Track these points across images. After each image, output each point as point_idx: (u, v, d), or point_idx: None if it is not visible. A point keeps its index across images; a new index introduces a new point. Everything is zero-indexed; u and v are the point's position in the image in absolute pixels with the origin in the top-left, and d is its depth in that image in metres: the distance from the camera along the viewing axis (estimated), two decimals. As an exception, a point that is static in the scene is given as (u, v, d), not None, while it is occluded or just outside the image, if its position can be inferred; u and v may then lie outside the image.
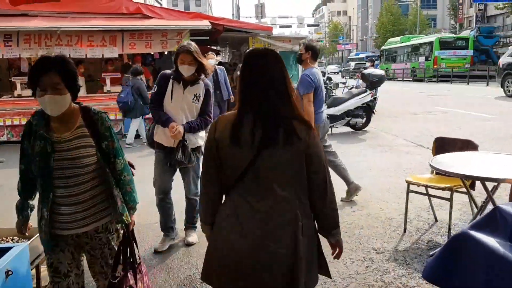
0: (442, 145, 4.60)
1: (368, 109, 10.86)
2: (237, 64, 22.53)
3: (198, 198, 4.09)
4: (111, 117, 10.97)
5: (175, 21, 11.69)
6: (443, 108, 14.81)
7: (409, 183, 4.46)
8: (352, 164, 7.30)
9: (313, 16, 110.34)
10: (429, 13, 69.40)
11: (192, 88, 3.99)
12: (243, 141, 1.90)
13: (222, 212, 2.02)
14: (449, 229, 4.24)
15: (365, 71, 10.99)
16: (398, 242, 4.25)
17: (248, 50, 2.14)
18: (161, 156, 4.13)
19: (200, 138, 4.14)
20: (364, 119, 10.88)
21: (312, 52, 5.18)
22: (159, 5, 23.72)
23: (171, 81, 3.98)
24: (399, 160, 7.49)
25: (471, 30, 36.57)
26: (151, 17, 11.76)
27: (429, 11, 71.50)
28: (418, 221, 4.76)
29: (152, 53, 12.82)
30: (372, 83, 10.62)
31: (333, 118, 10.40)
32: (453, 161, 3.85)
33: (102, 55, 11.47)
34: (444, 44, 31.07)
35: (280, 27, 37.72)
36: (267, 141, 1.88)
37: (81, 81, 12.19)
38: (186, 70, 3.88)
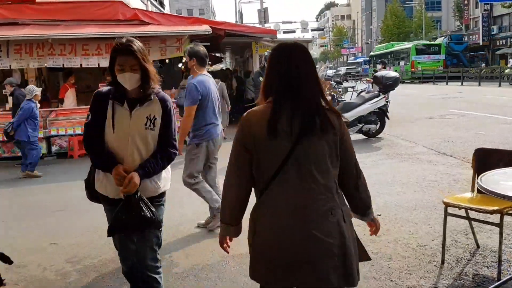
0: (485, 158, 3.86)
1: (381, 114, 10.14)
2: (237, 70, 22.07)
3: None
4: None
5: (174, 26, 11.05)
6: (459, 111, 14.05)
7: (447, 205, 3.72)
8: (369, 177, 6.56)
9: (317, 21, 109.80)
10: (433, 15, 68.99)
11: (143, 109, 2.67)
12: (281, 132, 1.90)
13: (261, 209, 1.98)
14: (499, 261, 3.49)
15: (378, 74, 10.27)
16: (437, 277, 3.51)
17: (278, 44, 2.10)
18: (111, 214, 2.72)
19: (165, 180, 2.83)
20: (378, 125, 10.16)
21: (197, 58, 4.63)
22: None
23: (109, 102, 2.67)
24: (422, 172, 6.74)
25: (444, 37, 42.34)
26: (148, 23, 11.16)
27: (433, 13, 71.05)
28: (457, 248, 4.02)
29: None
30: (386, 86, 9.90)
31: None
32: (506, 179, 3.12)
33: (98, 64, 10.84)
34: (420, 50, 36.02)
35: (284, 32, 36.97)
36: (306, 130, 1.89)
37: (72, 92, 11.61)
38: (128, 80, 2.61)
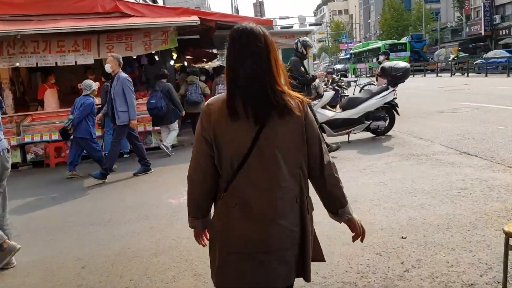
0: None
1: (390, 110, 9.11)
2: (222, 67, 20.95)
3: None
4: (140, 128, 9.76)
5: (159, 18, 10.01)
6: (472, 103, 13.00)
7: (509, 235, 2.69)
8: (385, 184, 5.55)
9: (314, 16, 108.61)
10: (432, 7, 68.20)
11: None
12: (241, 120, 1.80)
13: (226, 201, 1.86)
14: None
15: (386, 64, 9.22)
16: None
17: (234, 28, 1.91)
18: None
19: None
20: (387, 121, 9.13)
21: None
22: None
23: None
24: (446, 177, 5.71)
25: (406, 38, 48.15)
26: (131, 16, 10.11)
27: (432, 4, 70.20)
28: (515, 286, 3.00)
29: (135, 56, 11.18)
30: (395, 78, 8.85)
31: (350, 123, 8.69)
32: None
33: (75, 62, 9.81)
34: (390, 48, 39.94)
35: (281, 28, 35.93)
36: (265, 116, 1.80)
37: (53, 93, 10.58)
38: None
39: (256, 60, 1.81)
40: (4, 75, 10.55)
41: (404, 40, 46.99)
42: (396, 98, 9.14)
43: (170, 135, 9.53)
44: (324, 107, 8.73)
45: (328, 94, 8.78)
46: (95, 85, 8.10)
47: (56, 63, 9.75)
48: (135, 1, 11.09)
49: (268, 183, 1.82)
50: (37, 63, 9.66)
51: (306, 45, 7.96)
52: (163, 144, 9.37)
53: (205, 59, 25.76)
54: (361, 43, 55.30)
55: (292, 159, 1.86)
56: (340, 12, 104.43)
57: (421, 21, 57.64)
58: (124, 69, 14.13)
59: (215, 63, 31.20)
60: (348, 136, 8.79)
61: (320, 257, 2.08)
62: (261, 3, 25.30)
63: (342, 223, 2.06)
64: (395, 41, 47.16)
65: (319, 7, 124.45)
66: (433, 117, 11.14)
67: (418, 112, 12.17)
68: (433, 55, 45.71)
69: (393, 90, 8.94)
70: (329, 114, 8.68)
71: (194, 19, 9.55)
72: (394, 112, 9.10)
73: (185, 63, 22.30)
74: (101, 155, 8.02)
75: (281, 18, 42.77)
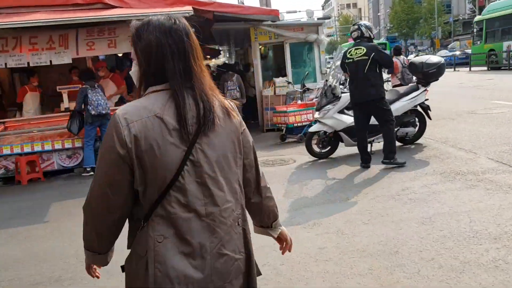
0: None
1: (421, 114, 7.66)
2: (238, 64, 19.59)
3: None
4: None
5: (147, 9, 8.61)
6: (505, 102, 11.46)
7: None
8: (430, 222, 4.11)
9: (323, 10, 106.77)
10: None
11: None
12: (171, 131, 1.50)
13: (149, 235, 1.49)
14: None
15: (415, 59, 7.71)
16: None
17: (148, 20, 1.60)
18: None
19: None
20: (417, 127, 7.69)
21: None
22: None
23: None
24: (514, 209, 4.27)
25: (384, 39, 53.18)
26: (115, 7, 8.72)
27: None
28: None
29: (120, 54, 9.80)
30: (427, 75, 7.38)
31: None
32: None
33: (50, 61, 8.45)
34: None
35: (289, 21, 34.50)
36: (201, 125, 1.53)
37: (33, 97, 9.26)
38: None
39: (190, 59, 1.58)
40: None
41: (382, 40, 51.87)
42: (427, 99, 7.67)
43: None
44: (341, 111, 7.29)
45: (346, 97, 7.34)
46: None
47: (28, 63, 8.40)
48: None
49: (206, 205, 1.53)
50: (5, 63, 8.32)
51: (371, 28, 6.66)
52: None
53: (208, 56, 24.42)
54: (348, 43, 55.76)
55: (231, 174, 1.61)
56: (348, 6, 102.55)
57: (432, 14, 56.29)
58: (117, 66, 12.86)
59: (220, 59, 29.84)
60: (371, 146, 7.34)
61: (257, 272, 1.75)
62: (267, -5, 23.85)
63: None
64: (377, 42, 52.13)
65: (327, 1, 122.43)
66: (466, 119, 9.64)
67: (446, 112, 10.66)
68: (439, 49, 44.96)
69: (424, 90, 7.48)
70: (348, 120, 7.24)
71: (187, 9, 8.13)
72: (426, 117, 7.65)
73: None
74: None
75: (288, 12, 41.22)
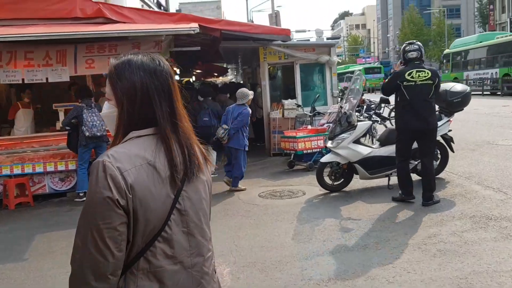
0: None
1: (443, 146, 7.05)
2: (248, 83, 19.10)
3: None
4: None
5: (150, 25, 8.11)
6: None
7: None
8: (467, 285, 3.44)
9: (332, 30, 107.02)
10: (453, 22, 66.79)
11: None
12: (161, 178, 1.43)
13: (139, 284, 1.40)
14: None
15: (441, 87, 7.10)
16: None
17: (128, 59, 1.51)
18: None
19: None
20: (438, 160, 7.06)
21: None
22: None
23: None
24: None
25: (378, 62, 56.14)
26: (117, 22, 8.22)
27: (453, 20, 68.86)
28: None
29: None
30: (451, 105, 6.79)
31: (390, 162, 6.63)
32: None
33: (46, 78, 7.92)
34: (367, 70, 45.39)
35: (298, 41, 34.24)
36: (187, 171, 1.48)
37: (26, 114, 8.75)
38: None
39: (176, 102, 1.55)
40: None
41: (377, 64, 54.78)
42: (451, 130, 7.06)
43: (213, 156, 8.66)
44: (357, 141, 6.69)
45: (363, 126, 6.75)
46: (251, 94, 7.74)
47: (23, 80, 7.89)
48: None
49: (192, 256, 1.47)
50: (-1, 80, 7.81)
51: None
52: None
53: (215, 74, 24.02)
54: (344, 65, 57.77)
55: (208, 221, 1.59)
56: (357, 26, 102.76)
57: (441, 36, 56.33)
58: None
59: (227, 77, 29.44)
60: (389, 179, 6.72)
61: None
62: (277, 14, 23.47)
63: None
64: (373, 65, 53.58)
65: (336, 21, 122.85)
66: (487, 151, 8.99)
67: (463, 142, 10.01)
68: None
69: (448, 121, 6.88)
70: (364, 150, 6.64)
71: (192, 26, 7.61)
72: (448, 149, 7.03)
73: (193, 78, 20.56)
74: (242, 173, 7.58)
75: (297, 31, 40.97)
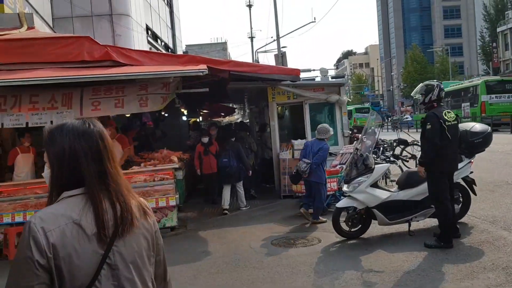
0: None
1: (465, 189, 6.70)
2: (249, 123, 18.99)
3: None
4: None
5: (158, 67, 7.98)
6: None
7: None
8: None
9: (337, 69, 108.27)
10: (456, 60, 67.58)
11: None
12: (91, 234, 1.52)
13: None
14: None
15: (460, 127, 6.82)
16: None
17: (60, 126, 1.64)
18: None
19: None
20: (460, 204, 6.69)
21: None
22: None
23: None
24: None
25: (367, 103, 56.96)
26: (125, 65, 8.10)
27: (455, 58, 69.60)
28: None
29: (128, 114, 9.11)
30: (472, 145, 6.48)
31: (411, 207, 6.28)
32: None
33: (51, 122, 7.73)
34: (358, 110, 45.27)
35: (303, 80, 34.48)
36: (117, 228, 1.55)
37: (26, 159, 8.53)
38: None
39: (107, 162, 1.63)
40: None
41: (367, 105, 54.97)
42: (472, 172, 6.73)
43: (240, 195, 9.48)
44: (374, 184, 6.37)
45: (380, 168, 6.44)
46: (332, 130, 8.10)
47: (27, 123, 7.71)
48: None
49: None
50: (2, 123, 7.63)
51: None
52: (241, 207, 9.43)
53: (222, 113, 23.99)
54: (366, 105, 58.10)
55: (146, 272, 1.63)
56: (361, 65, 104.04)
57: (445, 74, 56.84)
58: (128, 127, 12.23)
59: (234, 117, 29.37)
60: (409, 225, 6.34)
61: None
62: (284, 55, 23.73)
63: None
64: (361, 106, 54.14)
65: (339, 60, 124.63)
66: (507, 192, 8.60)
67: (481, 182, 9.57)
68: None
69: (469, 162, 6.56)
70: (382, 194, 6.30)
71: (201, 68, 7.45)
72: (470, 192, 6.68)
73: (200, 118, 20.46)
74: (323, 205, 7.82)
75: (303, 70, 41.35)
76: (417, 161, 9.10)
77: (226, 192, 9.29)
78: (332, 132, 8.02)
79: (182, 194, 9.49)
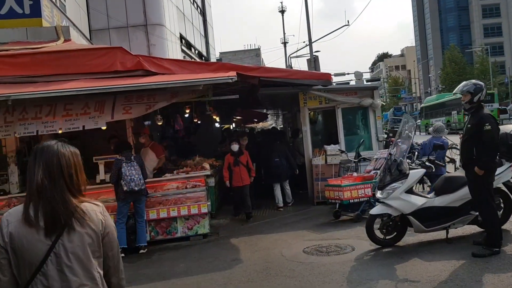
0: None
1: (506, 194, 6.38)
2: (285, 129, 18.92)
3: None
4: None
5: (188, 75, 8.02)
6: None
7: None
8: None
9: (372, 72, 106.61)
10: (497, 60, 65.31)
11: None
12: (39, 229, 2.03)
13: None
14: None
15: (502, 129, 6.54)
16: None
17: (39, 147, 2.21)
18: None
19: None
20: (501, 210, 6.38)
21: None
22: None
23: None
24: None
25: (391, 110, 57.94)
26: (156, 74, 8.19)
27: (496, 58, 67.32)
28: None
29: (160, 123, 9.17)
30: (513, 149, 6.19)
31: (448, 213, 6.04)
32: None
33: (83, 126, 7.86)
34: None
35: (337, 84, 33.94)
36: (57, 226, 2.03)
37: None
38: None
39: (52, 176, 2.07)
40: (10, 147, 8.83)
41: (391, 111, 57.15)
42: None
43: (288, 193, 10.37)
44: (409, 191, 6.15)
45: (415, 174, 6.22)
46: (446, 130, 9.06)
47: (60, 129, 7.87)
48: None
49: (62, 287, 2.02)
50: (37, 131, 7.80)
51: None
52: (288, 203, 10.32)
53: (255, 119, 23.99)
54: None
55: (89, 263, 2.09)
56: (397, 67, 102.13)
57: (485, 74, 55.08)
58: (162, 135, 12.38)
59: (267, 123, 29.29)
60: (447, 232, 6.10)
61: None
62: (316, 59, 23.52)
63: None
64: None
65: (375, 63, 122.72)
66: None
67: None
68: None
69: (510, 166, 6.25)
70: (418, 201, 6.08)
71: (230, 75, 7.44)
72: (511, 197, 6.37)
73: (233, 125, 20.51)
74: None
75: (336, 74, 40.89)
76: (459, 165, 8.77)
77: (278, 190, 10.12)
78: (447, 130, 8.29)
79: (214, 201, 9.49)
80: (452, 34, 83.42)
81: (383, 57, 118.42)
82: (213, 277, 5.75)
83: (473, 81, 5.92)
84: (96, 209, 2.13)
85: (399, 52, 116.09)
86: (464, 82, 5.92)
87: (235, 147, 9.46)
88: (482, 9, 78.88)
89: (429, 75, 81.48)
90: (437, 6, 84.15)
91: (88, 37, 16.84)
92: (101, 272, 2.12)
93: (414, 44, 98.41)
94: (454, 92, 5.70)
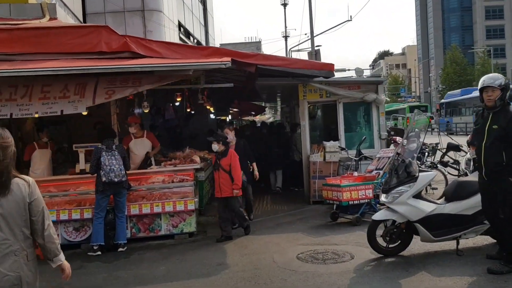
0: None
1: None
2: (282, 123, 18.29)
3: None
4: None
5: (179, 60, 7.35)
6: None
7: None
8: None
9: (373, 69, 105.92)
10: (498, 62, 64.72)
11: None
12: None
13: None
14: None
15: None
16: None
17: None
18: None
19: None
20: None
21: None
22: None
23: None
24: None
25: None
26: (144, 56, 7.52)
27: (498, 60, 66.72)
28: None
29: (148, 110, 8.45)
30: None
31: (460, 222, 5.42)
32: None
33: (61, 111, 7.18)
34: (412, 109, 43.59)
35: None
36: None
37: (43, 155, 8.08)
38: None
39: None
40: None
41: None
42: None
43: (279, 180, 11.54)
44: (417, 195, 5.52)
45: (425, 177, 5.59)
46: None
47: (36, 113, 7.20)
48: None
49: None
50: (11, 114, 7.13)
51: None
52: (277, 187, 11.49)
53: (253, 112, 23.33)
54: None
55: (15, 225, 2.72)
56: (397, 66, 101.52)
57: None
58: (151, 125, 11.70)
59: (265, 116, 28.60)
60: (457, 243, 5.48)
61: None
62: (317, 52, 22.92)
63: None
64: (417, 104, 53.00)
65: (375, 60, 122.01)
66: None
67: None
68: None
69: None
70: (427, 207, 5.45)
71: (224, 60, 6.78)
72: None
73: (230, 117, 19.85)
74: None
75: (337, 70, 40.27)
76: (464, 168, 8.14)
77: (273, 178, 11.56)
78: None
79: (204, 197, 8.84)
80: (454, 34, 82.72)
81: (384, 55, 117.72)
82: (194, 284, 5.13)
83: (500, 75, 5.25)
84: (27, 182, 2.80)
85: (400, 51, 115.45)
86: (491, 75, 5.21)
87: (214, 147, 7.16)
88: (486, 10, 78.19)
89: (430, 75, 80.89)
90: (441, 6, 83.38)
91: (82, 20, 16.13)
92: (27, 232, 2.77)
93: (415, 43, 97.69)
94: (483, 85, 4.94)
